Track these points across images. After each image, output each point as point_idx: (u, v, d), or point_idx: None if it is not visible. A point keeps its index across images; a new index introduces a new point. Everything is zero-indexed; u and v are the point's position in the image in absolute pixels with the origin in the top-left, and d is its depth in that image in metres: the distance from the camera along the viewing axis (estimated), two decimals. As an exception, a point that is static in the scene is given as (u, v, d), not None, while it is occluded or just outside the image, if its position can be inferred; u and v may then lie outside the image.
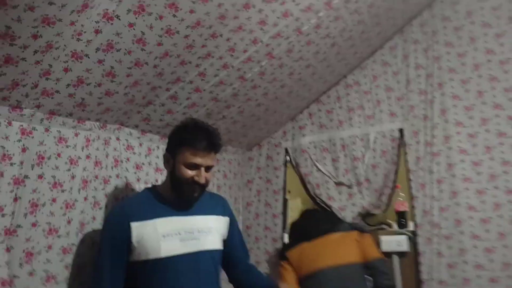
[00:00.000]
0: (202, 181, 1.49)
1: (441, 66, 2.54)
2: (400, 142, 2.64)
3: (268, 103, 2.30)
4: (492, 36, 2.45)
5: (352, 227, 2.55)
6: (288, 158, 2.95)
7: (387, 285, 2.29)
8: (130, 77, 1.46)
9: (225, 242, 1.67)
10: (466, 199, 2.43)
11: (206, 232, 1.55)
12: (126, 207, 1.53)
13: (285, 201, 2.93)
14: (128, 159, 1.80)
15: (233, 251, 1.71)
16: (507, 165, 2.36)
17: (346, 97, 2.80)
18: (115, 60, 1.34)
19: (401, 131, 2.64)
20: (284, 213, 2.91)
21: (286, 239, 2.82)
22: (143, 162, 1.88)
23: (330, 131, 2.83)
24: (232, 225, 1.73)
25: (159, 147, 2.00)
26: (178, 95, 1.75)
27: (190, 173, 1.47)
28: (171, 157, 1.52)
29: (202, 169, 1.49)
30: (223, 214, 1.68)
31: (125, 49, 1.32)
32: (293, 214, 3.05)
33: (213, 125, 2.12)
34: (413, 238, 2.56)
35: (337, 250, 2.37)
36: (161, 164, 1.99)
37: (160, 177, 1.97)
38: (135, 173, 1.83)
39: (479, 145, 2.43)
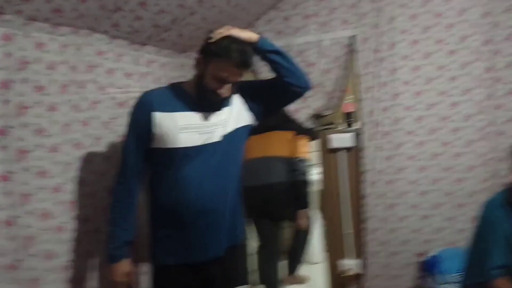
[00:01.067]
0: (227, 94, 1.58)
1: (392, -26, 2.69)
2: (351, 48, 2.85)
3: (230, 10, 2.38)
4: None
5: (294, 128, 2.81)
6: (246, 64, 3.09)
7: (295, 180, 2.65)
8: (103, -18, 1.50)
9: (257, 94, 1.71)
10: (405, 99, 2.74)
11: (223, 125, 1.63)
12: (150, 97, 1.61)
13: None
14: (100, 65, 1.88)
15: (267, 85, 1.72)
16: (442, 70, 2.66)
17: (303, 4, 2.90)
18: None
19: (352, 38, 2.83)
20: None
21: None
22: (114, 68, 1.97)
23: (287, 38, 2.96)
24: (248, 87, 1.71)
25: (129, 53, 2.07)
26: (147, 1, 1.80)
27: (216, 85, 1.54)
28: (203, 63, 1.55)
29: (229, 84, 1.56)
30: (235, 94, 1.68)
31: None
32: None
33: (179, 31, 2.24)
34: (358, 136, 2.90)
35: (270, 145, 2.73)
36: (131, 70, 2.10)
37: (131, 83, 2.08)
38: (108, 78, 1.92)
39: (421, 51, 2.68)
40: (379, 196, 2.85)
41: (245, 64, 1.53)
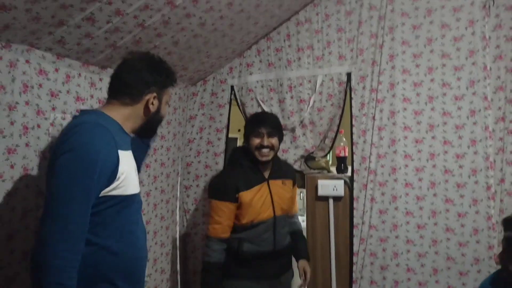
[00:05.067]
0: None
1: (394, 8, 2.42)
2: (347, 86, 2.57)
3: (206, 35, 2.14)
4: (449, -19, 2.32)
5: None
6: (233, 96, 2.84)
7: None
8: (29, -10, 1.28)
9: None
10: (403, 147, 2.42)
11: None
12: (109, 128, 1.25)
13: (227, 140, 2.86)
14: (40, 85, 1.64)
15: None
16: (447, 116, 2.35)
17: (296, 35, 2.65)
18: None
19: (348, 75, 2.56)
20: (226, 152, 2.85)
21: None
22: (60, 90, 1.73)
23: (278, 71, 2.71)
24: None
25: (81, 74, 1.84)
26: (96, 17, 1.57)
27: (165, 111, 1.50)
28: (158, 98, 1.41)
29: None
30: None
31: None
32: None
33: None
34: (349, 184, 2.57)
35: None
36: (83, 94, 1.85)
37: (82, 107, 1.83)
38: (50, 101, 1.68)
39: (423, 94, 2.38)
40: (370, 255, 2.49)
41: None
